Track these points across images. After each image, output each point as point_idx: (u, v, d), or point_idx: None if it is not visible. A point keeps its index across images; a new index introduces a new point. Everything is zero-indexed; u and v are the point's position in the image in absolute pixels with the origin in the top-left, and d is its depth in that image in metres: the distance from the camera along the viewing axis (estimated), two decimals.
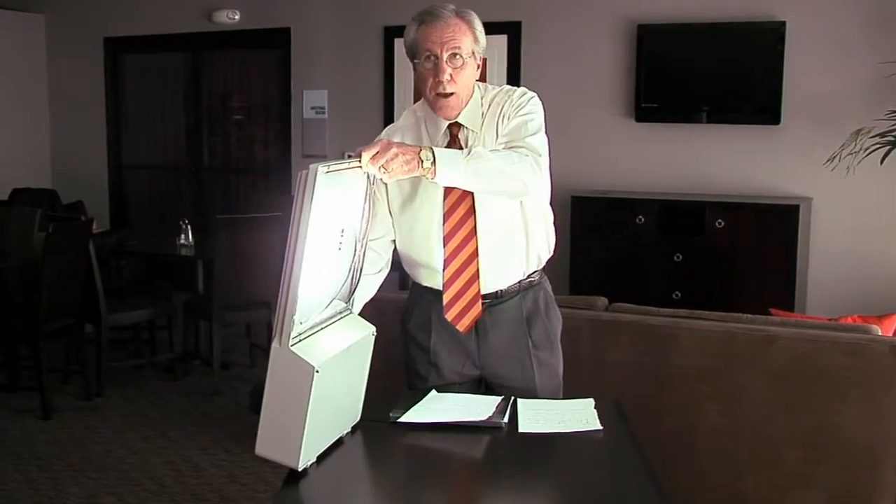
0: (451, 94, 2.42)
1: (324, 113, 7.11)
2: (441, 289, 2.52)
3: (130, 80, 8.09)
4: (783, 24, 5.56)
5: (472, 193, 2.43)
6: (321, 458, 2.02)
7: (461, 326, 2.54)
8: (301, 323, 1.95)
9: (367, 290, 2.52)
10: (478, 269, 2.49)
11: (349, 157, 2.12)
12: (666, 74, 5.93)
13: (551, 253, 2.66)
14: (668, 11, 5.88)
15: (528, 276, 2.60)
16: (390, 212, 2.56)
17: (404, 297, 2.75)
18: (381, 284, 2.62)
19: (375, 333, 2.23)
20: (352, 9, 6.93)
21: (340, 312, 2.19)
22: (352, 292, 2.24)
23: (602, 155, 6.17)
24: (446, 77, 2.40)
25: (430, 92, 2.45)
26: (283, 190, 6.98)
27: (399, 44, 2.54)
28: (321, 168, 1.88)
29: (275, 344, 1.92)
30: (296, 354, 1.90)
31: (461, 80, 2.43)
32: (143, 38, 7.74)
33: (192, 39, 7.56)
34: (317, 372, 1.89)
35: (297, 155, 7.17)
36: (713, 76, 5.79)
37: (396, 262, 2.67)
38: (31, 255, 5.40)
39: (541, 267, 2.63)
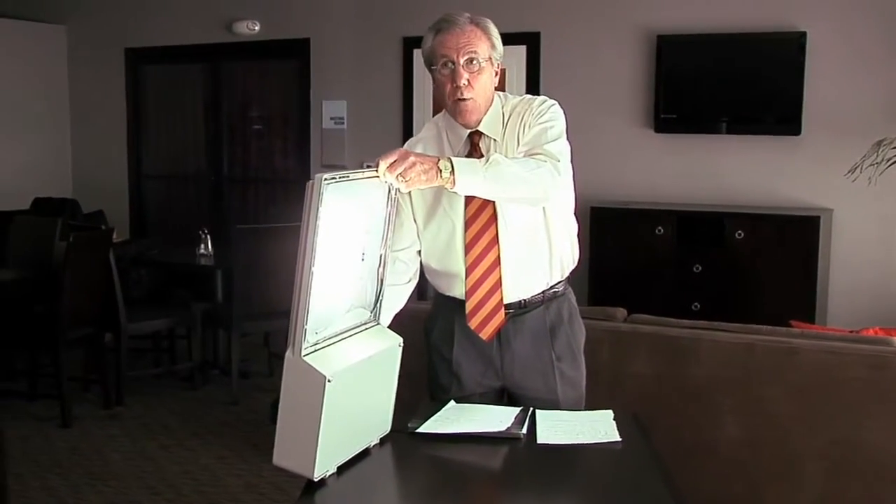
0: (470, 99, 2.43)
1: (343, 123, 7.13)
2: (464, 298, 2.52)
3: (151, 90, 8.16)
4: (804, 34, 5.54)
5: (494, 202, 2.43)
6: (343, 468, 2.02)
7: (484, 334, 2.53)
8: (316, 333, 1.95)
9: (397, 301, 2.52)
10: (500, 278, 2.49)
11: (369, 167, 2.11)
12: (685, 85, 5.91)
13: (575, 264, 2.65)
14: (688, 22, 5.87)
15: (553, 287, 2.59)
16: (416, 222, 2.56)
17: (423, 307, 2.74)
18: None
19: (402, 344, 2.21)
20: (371, 19, 6.95)
21: (366, 323, 2.18)
22: (376, 301, 2.23)
23: (621, 166, 6.15)
24: (463, 82, 2.40)
25: (448, 98, 2.45)
26: (302, 200, 6.96)
27: (418, 54, 2.55)
28: (326, 177, 1.88)
29: (288, 354, 1.92)
30: (308, 364, 1.90)
31: (479, 85, 2.43)
32: (163, 49, 7.80)
33: (212, 50, 7.61)
34: (328, 381, 1.88)
35: (317, 165, 7.18)
36: (733, 87, 5.77)
37: (421, 272, 2.67)
38: (51, 264, 5.44)
39: (564, 278, 2.62)
